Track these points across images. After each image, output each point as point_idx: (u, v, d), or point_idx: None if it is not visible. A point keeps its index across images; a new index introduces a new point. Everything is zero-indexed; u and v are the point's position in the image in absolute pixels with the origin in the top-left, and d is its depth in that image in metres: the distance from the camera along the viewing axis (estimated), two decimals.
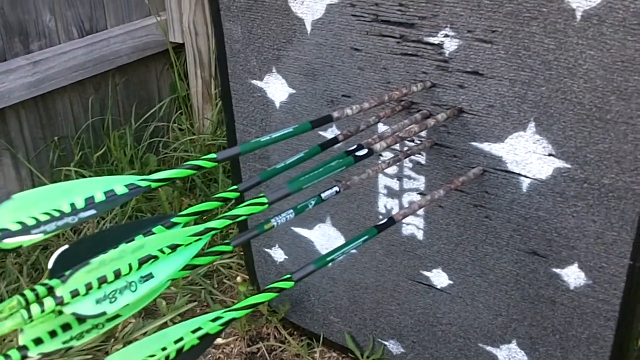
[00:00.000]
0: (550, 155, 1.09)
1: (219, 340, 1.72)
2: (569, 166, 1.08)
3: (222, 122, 2.30)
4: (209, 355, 1.66)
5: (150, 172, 2.18)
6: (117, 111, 2.28)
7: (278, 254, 1.61)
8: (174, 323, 1.71)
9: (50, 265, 0.74)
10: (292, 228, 1.54)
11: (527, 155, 1.11)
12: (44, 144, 2.10)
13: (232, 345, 1.67)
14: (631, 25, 0.94)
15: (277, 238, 1.59)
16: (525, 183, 1.14)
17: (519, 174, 1.14)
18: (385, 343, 1.51)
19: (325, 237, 1.49)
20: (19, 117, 2.02)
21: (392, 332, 1.49)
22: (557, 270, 1.17)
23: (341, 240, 1.46)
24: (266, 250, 1.63)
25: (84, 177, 2.11)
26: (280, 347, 1.65)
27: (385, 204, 1.35)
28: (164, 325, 1.68)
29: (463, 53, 1.11)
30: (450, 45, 1.11)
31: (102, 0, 2.14)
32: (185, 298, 1.76)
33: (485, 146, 1.15)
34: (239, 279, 1.72)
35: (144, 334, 1.65)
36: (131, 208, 2.06)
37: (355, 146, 1.03)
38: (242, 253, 1.85)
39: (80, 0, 2.09)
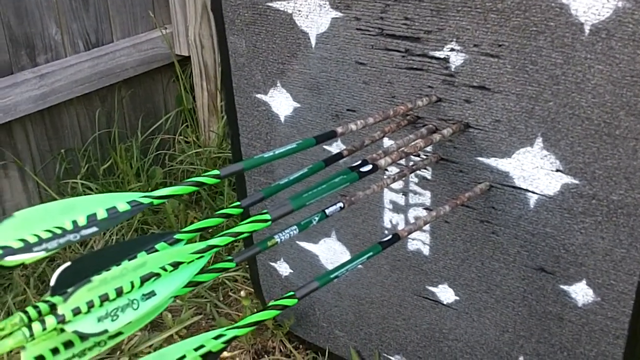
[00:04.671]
0: (558, 170, 1.08)
1: (224, 354, 1.71)
2: (577, 182, 1.07)
3: (228, 135, 2.30)
4: None
5: (156, 185, 2.19)
6: (124, 124, 2.28)
7: (283, 268, 1.60)
8: (180, 336, 1.71)
9: (52, 282, 0.73)
10: (297, 242, 1.53)
11: (535, 170, 1.10)
12: (50, 157, 2.10)
13: (237, 359, 1.66)
14: None
15: (283, 252, 1.58)
16: (532, 199, 1.13)
17: (527, 190, 1.13)
18: (391, 358, 1.50)
19: (330, 251, 1.48)
20: (26, 130, 2.02)
21: (397, 348, 1.48)
22: (565, 287, 1.16)
23: (346, 255, 1.45)
24: (271, 264, 1.62)
25: (90, 189, 2.11)
26: None
27: (390, 218, 1.34)
28: (170, 338, 1.67)
29: (469, 67, 1.10)
30: (457, 59, 1.11)
31: (108, 13, 2.15)
32: (190, 311, 1.76)
33: (492, 161, 1.14)
34: (242, 293, 1.71)
35: (150, 347, 1.64)
36: (137, 221, 2.06)
37: (359, 162, 1.03)
38: (247, 266, 1.84)
39: (86, 13, 2.10)
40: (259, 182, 1.54)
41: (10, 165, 2.01)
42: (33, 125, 2.04)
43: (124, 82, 2.23)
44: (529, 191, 1.12)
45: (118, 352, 1.64)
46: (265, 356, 1.66)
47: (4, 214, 2.02)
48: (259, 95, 1.42)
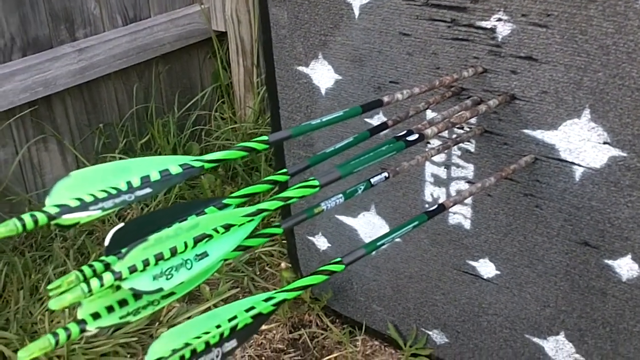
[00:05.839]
0: (605, 143, 1.07)
1: (262, 327, 1.73)
2: (625, 155, 1.05)
3: (263, 111, 2.31)
4: (252, 341, 1.67)
5: None
6: (161, 99, 2.30)
7: (321, 242, 1.61)
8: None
9: (106, 242, 0.75)
10: (336, 216, 1.53)
11: (581, 143, 1.09)
12: (89, 131, 2.12)
13: (274, 331, 1.68)
14: None
15: (321, 226, 1.59)
16: (578, 172, 1.11)
17: (572, 163, 1.11)
18: (429, 333, 1.50)
19: (369, 225, 1.48)
20: (65, 104, 2.04)
21: (436, 322, 1.48)
22: (609, 262, 1.15)
23: (385, 229, 1.45)
24: (309, 238, 1.63)
25: None
26: (322, 334, 1.65)
27: (432, 192, 1.33)
28: (208, 310, 1.69)
29: (516, 37, 1.09)
30: (504, 29, 1.10)
31: None
32: (228, 284, 1.77)
33: (538, 134, 1.13)
34: (282, 265, 1.72)
35: (188, 319, 1.66)
36: (174, 195, 2.08)
37: (405, 131, 1.02)
38: (284, 241, 1.85)
39: None
40: (298, 155, 1.54)
41: (49, 138, 2.03)
42: (72, 100, 2.06)
43: (161, 58, 2.24)
44: (575, 164, 1.11)
45: (157, 323, 1.67)
46: (302, 329, 1.67)
47: (43, 187, 2.05)
48: (300, 68, 1.42)
